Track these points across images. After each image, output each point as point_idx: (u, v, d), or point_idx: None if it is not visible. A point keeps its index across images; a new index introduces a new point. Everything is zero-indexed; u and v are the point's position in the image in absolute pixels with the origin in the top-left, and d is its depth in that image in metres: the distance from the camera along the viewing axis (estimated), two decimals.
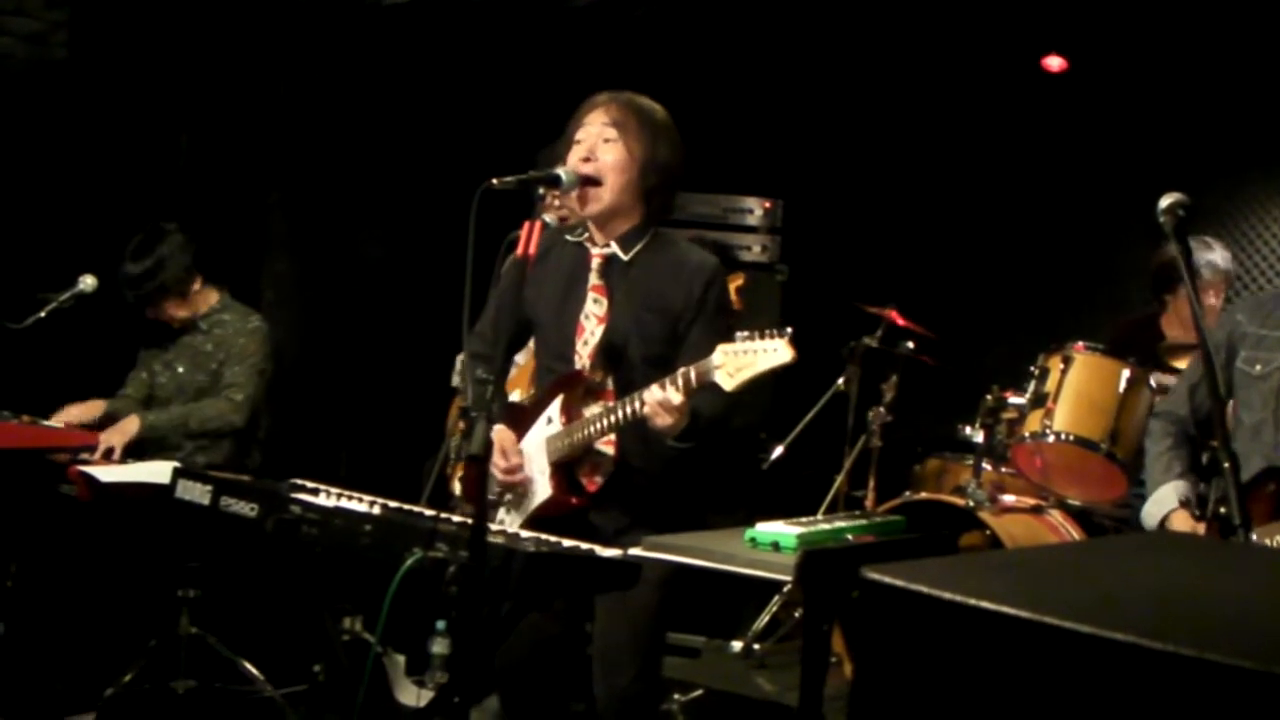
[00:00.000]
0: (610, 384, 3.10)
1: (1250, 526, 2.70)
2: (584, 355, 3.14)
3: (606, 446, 3.10)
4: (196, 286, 4.64)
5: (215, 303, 4.69)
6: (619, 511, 3.10)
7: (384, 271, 6.34)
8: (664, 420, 2.87)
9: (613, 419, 2.98)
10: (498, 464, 3.13)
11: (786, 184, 6.28)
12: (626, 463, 3.10)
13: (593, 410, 3.06)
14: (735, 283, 4.34)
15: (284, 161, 6.04)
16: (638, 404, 2.92)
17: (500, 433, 3.17)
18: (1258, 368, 3.28)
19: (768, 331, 2.74)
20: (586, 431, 3.04)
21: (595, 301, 3.14)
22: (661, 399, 2.85)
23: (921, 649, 1.40)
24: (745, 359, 2.74)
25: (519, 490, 3.19)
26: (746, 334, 2.76)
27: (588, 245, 3.18)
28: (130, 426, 4.36)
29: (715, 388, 2.83)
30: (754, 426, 5.59)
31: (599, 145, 3.07)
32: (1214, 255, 4.84)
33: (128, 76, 5.61)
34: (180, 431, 4.45)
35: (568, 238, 3.26)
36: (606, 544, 2.66)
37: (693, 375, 2.82)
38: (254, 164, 5.95)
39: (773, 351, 2.72)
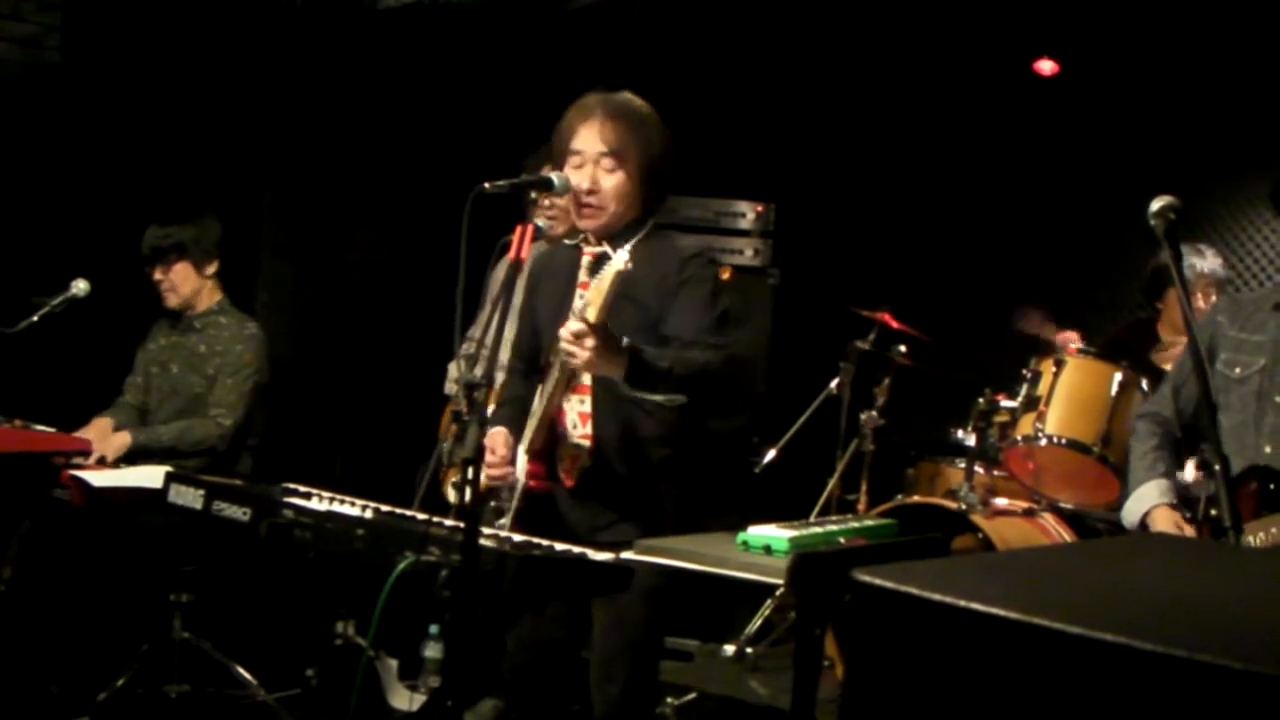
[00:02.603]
0: (587, 376, 3.10)
1: (1241, 528, 2.71)
2: None
3: (584, 440, 3.11)
4: (209, 270, 4.73)
5: (214, 304, 4.72)
6: (599, 506, 3.10)
7: (377, 274, 6.33)
8: (583, 354, 2.77)
9: (553, 380, 3.01)
10: (487, 460, 3.13)
11: (779, 188, 6.28)
12: (604, 456, 3.10)
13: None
14: (722, 275, 4.33)
15: (278, 164, 6.04)
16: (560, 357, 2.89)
17: (496, 433, 3.18)
18: (1237, 370, 3.27)
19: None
20: (544, 404, 3.06)
21: (581, 297, 3.15)
22: (567, 333, 2.79)
23: (913, 651, 1.40)
24: (598, 285, 2.73)
25: (508, 489, 3.20)
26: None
27: (582, 245, 3.21)
28: (121, 442, 4.39)
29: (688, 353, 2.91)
30: (746, 429, 5.59)
31: (600, 175, 3.09)
32: (1206, 262, 4.84)
33: (121, 80, 5.61)
34: (168, 452, 4.47)
35: (565, 242, 3.30)
36: (585, 540, 2.64)
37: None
38: (247, 167, 5.94)
39: (610, 264, 2.71)
